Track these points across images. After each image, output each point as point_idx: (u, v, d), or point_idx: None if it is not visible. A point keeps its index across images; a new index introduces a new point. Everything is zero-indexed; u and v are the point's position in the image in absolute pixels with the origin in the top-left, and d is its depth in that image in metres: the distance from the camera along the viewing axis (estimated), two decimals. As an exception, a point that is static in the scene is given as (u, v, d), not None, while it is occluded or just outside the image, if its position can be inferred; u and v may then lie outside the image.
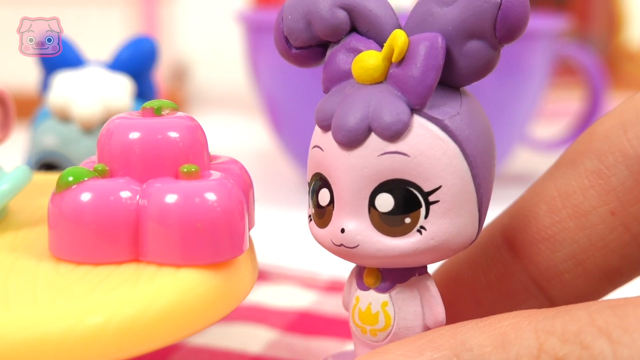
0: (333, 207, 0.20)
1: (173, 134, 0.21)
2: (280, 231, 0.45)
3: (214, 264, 0.20)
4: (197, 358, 0.28)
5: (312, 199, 0.21)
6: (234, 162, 0.23)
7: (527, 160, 0.59)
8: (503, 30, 0.19)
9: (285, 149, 0.56)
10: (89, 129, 0.32)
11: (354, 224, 0.20)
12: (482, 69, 0.20)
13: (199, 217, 0.20)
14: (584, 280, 0.23)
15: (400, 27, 0.20)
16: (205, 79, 0.98)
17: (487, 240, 0.24)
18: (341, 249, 0.20)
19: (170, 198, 0.20)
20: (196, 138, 0.21)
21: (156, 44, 0.34)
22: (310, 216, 0.21)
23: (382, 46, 0.20)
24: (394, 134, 0.19)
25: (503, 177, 0.54)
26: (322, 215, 0.20)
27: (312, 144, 0.21)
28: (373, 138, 0.19)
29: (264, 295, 0.34)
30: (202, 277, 0.20)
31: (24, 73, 0.57)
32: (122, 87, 0.32)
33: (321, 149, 0.20)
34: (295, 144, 0.54)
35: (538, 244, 0.23)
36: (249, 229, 0.22)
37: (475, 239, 0.21)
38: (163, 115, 0.21)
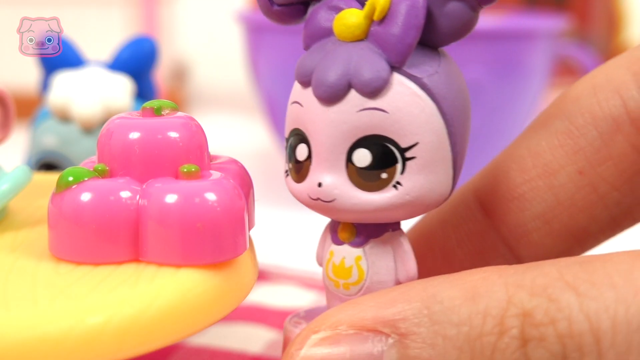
0: (311, 162, 0.20)
1: (173, 134, 0.21)
2: (280, 231, 0.45)
3: (214, 264, 0.20)
4: (197, 358, 0.28)
5: (289, 154, 0.21)
6: (234, 162, 0.23)
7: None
8: None
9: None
10: (89, 129, 0.32)
11: (331, 179, 0.20)
12: (461, 30, 0.20)
13: (199, 217, 0.20)
14: (551, 239, 0.23)
15: None
16: (205, 79, 0.98)
17: (459, 199, 0.24)
18: (318, 203, 0.21)
19: (170, 198, 0.20)
20: (196, 138, 0.21)
21: (156, 44, 0.34)
22: (287, 171, 0.21)
23: (363, 5, 0.20)
24: (374, 90, 0.19)
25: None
26: (299, 170, 0.21)
27: (291, 99, 0.21)
28: (353, 94, 0.20)
29: (264, 295, 0.34)
30: (202, 277, 0.20)
31: (24, 73, 0.57)
32: (122, 87, 0.32)
33: (300, 105, 0.21)
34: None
35: (508, 202, 0.23)
36: (249, 229, 0.22)
37: (449, 197, 0.21)
38: (163, 115, 0.21)
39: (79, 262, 0.20)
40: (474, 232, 0.24)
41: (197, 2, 0.99)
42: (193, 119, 0.22)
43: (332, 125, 0.20)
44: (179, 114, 0.22)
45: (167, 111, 0.22)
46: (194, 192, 0.20)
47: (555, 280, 0.17)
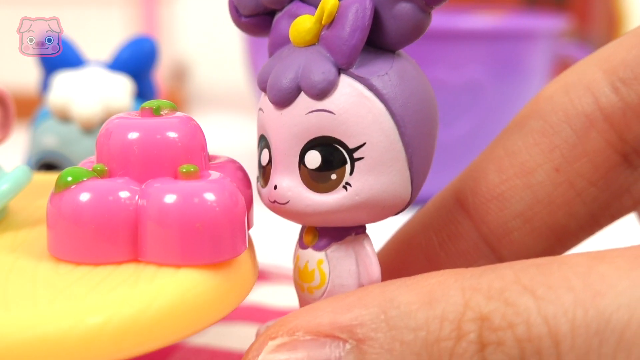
0: (271, 166, 0.21)
1: (172, 134, 0.21)
2: (280, 231, 0.45)
3: (213, 264, 0.20)
4: (197, 358, 0.28)
5: (258, 160, 0.22)
6: (232, 162, 0.23)
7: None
8: None
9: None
10: (89, 129, 0.32)
11: (286, 181, 0.21)
12: (412, 32, 0.20)
13: (198, 217, 0.20)
14: (532, 238, 0.23)
15: None
16: (205, 79, 0.99)
17: (440, 202, 0.25)
18: (275, 206, 0.21)
19: (169, 198, 0.20)
20: (195, 138, 0.21)
21: (156, 44, 0.34)
22: (257, 178, 0.22)
23: None
24: (320, 92, 0.20)
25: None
26: (263, 174, 0.21)
27: (258, 107, 0.21)
28: (302, 97, 0.20)
29: (264, 295, 0.34)
30: (202, 277, 0.20)
31: (24, 73, 0.57)
32: (122, 87, 0.32)
33: (262, 111, 0.21)
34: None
35: (487, 202, 0.23)
36: (249, 229, 0.22)
37: (411, 199, 0.21)
38: (162, 115, 0.22)
39: (78, 263, 0.20)
40: (456, 234, 0.24)
41: (197, 2, 0.99)
42: (192, 119, 0.22)
43: (285, 128, 0.20)
44: (178, 113, 0.22)
45: (166, 111, 0.22)
46: (193, 192, 0.20)
47: (512, 283, 0.17)
